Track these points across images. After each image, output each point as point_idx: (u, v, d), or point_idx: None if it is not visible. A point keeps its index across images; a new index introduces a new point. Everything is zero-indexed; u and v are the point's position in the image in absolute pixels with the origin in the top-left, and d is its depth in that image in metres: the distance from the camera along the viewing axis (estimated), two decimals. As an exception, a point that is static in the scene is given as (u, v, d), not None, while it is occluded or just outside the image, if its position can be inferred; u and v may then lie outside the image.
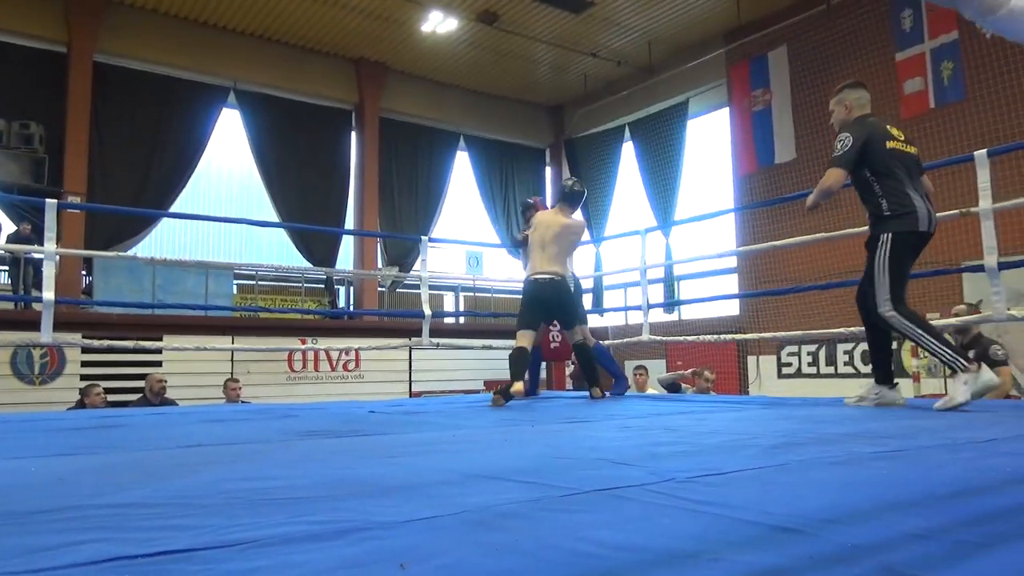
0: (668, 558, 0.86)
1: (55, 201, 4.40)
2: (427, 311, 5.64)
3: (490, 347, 7.30)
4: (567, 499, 1.21)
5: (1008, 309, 4.28)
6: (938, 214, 4.52)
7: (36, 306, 10.57)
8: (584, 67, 13.98)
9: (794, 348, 11.47)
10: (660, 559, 0.86)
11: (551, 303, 4.79)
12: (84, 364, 10.29)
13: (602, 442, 2.26)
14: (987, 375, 3.18)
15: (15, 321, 9.71)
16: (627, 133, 14.50)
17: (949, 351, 3.27)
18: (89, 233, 11.28)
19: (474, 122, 15.17)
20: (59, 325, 10.34)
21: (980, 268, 4.28)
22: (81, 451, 2.07)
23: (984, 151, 4.12)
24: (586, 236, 5.05)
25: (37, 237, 10.58)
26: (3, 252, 10.81)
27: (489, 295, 15.05)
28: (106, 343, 5.39)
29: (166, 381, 6.66)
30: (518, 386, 4.38)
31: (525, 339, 4.68)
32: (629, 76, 13.91)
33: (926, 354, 9.42)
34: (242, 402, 6.98)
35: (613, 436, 2.45)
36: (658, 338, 6.07)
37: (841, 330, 5.05)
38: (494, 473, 1.49)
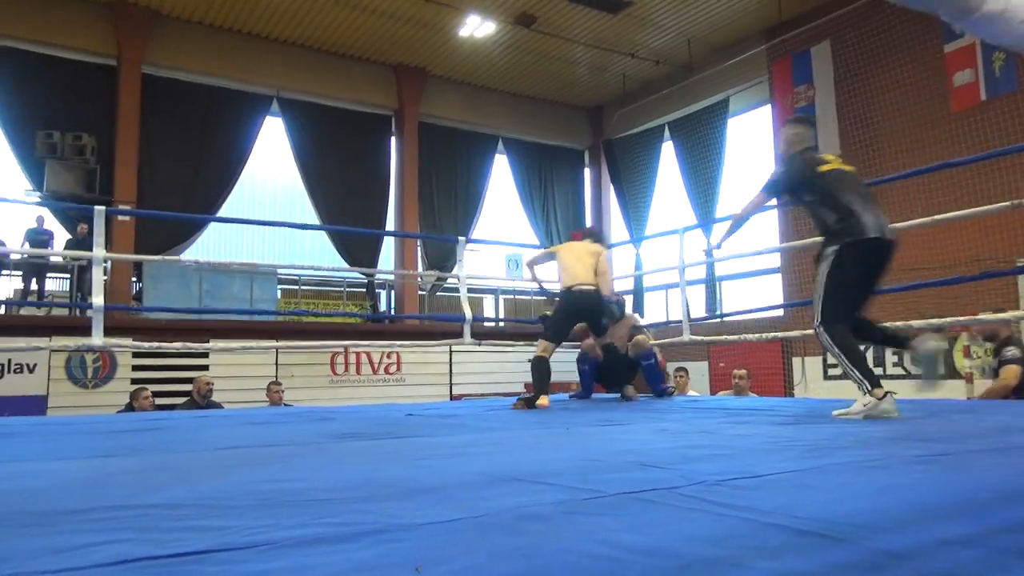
0: (687, 563, 0.84)
1: (103, 208, 4.52)
2: (468, 312, 5.66)
3: (533, 346, 7.29)
4: (591, 502, 1.19)
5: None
6: (991, 207, 4.37)
7: (88, 311, 10.93)
8: (622, 67, 13.88)
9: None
10: (679, 564, 0.83)
11: (592, 314, 4.87)
12: (135, 368, 10.57)
13: (635, 444, 2.23)
14: (886, 405, 3.25)
15: (69, 327, 10.02)
16: (667, 133, 14.36)
17: (861, 374, 3.36)
18: (139, 240, 11.58)
19: (513, 125, 15.19)
20: (110, 330, 10.63)
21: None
22: (121, 453, 2.12)
23: (1036, 143, 3.97)
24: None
25: (92, 239, 10.96)
26: (59, 259, 11.21)
27: (529, 297, 15.04)
28: (155, 345, 5.51)
29: (213, 383, 6.79)
30: (544, 401, 4.44)
31: (548, 348, 4.74)
32: (668, 75, 13.78)
33: (979, 353, 9.12)
34: (284, 405, 7.08)
35: (647, 439, 2.41)
36: (699, 338, 5.97)
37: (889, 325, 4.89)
38: (521, 476, 1.48)
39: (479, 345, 6.08)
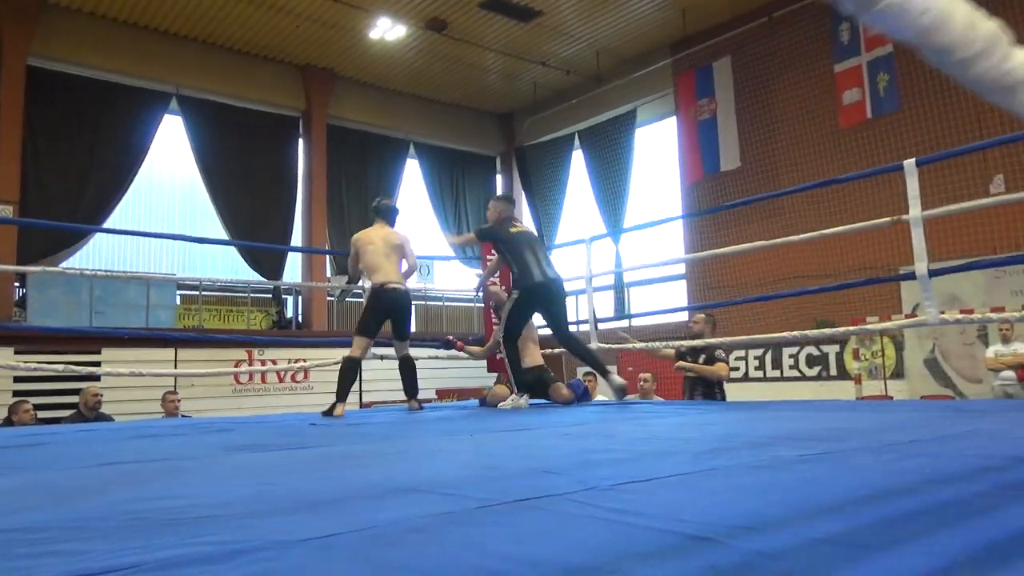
0: (566, 572, 0.84)
1: (9, 206, 4.20)
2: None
3: (438, 357, 7.27)
4: (482, 511, 1.18)
5: (941, 313, 4.42)
6: (873, 222, 4.72)
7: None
8: (534, 75, 14.05)
9: (741, 353, 11.65)
10: (557, 573, 0.83)
11: (402, 312, 4.97)
12: (17, 380, 9.89)
13: (535, 450, 2.24)
14: (521, 402, 4.71)
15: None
16: (577, 141, 14.61)
17: (514, 380, 4.77)
18: (22, 244, 10.85)
19: (424, 130, 15.11)
20: (-8, 339, 9.98)
21: (912, 276, 4.41)
22: None
23: (913, 160, 4.24)
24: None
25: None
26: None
27: (441, 304, 14.97)
28: (32, 366, 5.16)
29: (102, 395, 6.43)
30: (340, 410, 4.50)
31: (360, 348, 4.76)
32: (578, 85, 14.02)
33: (867, 356, 9.70)
34: (182, 416, 6.78)
35: (550, 444, 2.43)
36: (605, 346, 6.09)
37: (784, 334, 5.14)
38: (416, 486, 1.45)
39: (381, 360, 6.00)
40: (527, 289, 4.72)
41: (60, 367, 5.00)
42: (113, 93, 11.95)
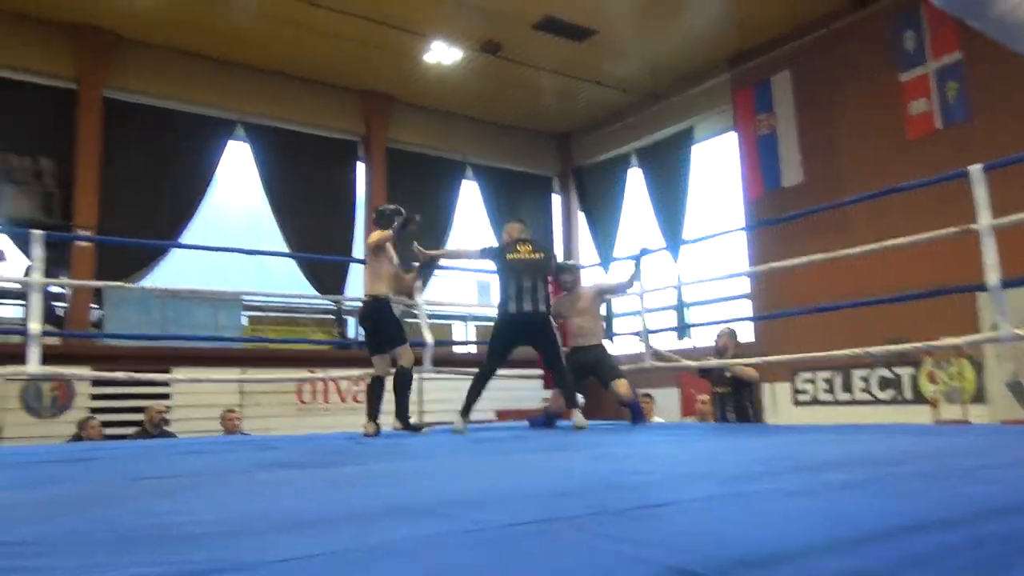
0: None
1: (41, 232, 4.40)
2: (429, 339, 5.59)
3: (501, 377, 7.17)
4: (471, 535, 1.12)
5: (1016, 329, 4.14)
6: (940, 232, 4.48)
7: (48, 340, 10.66)
8: (589, 95, 14.00)
9: (809, 375, 11.25)
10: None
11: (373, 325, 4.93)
12: (94, 397, 10.29)
13: (566, 472, 2.16)
14: (459, 427, 4.79)
15: (21, 355, 9.74)
16: (634, 159, 14.48)
17: (465, 402, 4.82)
18: (100, 266, 11.34)
19: (481, 151, 15.22)
20: (70, 358, 10.45)
21: (983, 287, 4.15)
22: (20, 486, 2.00)
23: (979, 166, 4.01)
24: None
25: (51, 268, 10.73)
26: (16, 285, 10.92)
27: (499, 324, 14.93)
28: (95, 374, 5.34)
29: (166, 412, 6.61)
30: (371, 427, 4.47)
31: (382, 366, 4.81)
32: (634, 103, 13.92)
33: (944, 379, 9.24)
34: (241, 433, 6.90)
35: (582, 466, 2.34)
36: (659, 364, 5.94)
37: (846, 351, 4.88)
38: (421, 507, 1.40)
39: (438, 372, 6.00)
40: (498, 320, 4.88)
41: (121, 375, 5.11)
42: (182, 122, 12.43)
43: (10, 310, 11.08)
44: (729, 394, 5.39)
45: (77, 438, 6.03)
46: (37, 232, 4.41)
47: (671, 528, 1.18)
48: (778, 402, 11.69)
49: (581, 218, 15.37)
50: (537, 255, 4.98)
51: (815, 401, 11.15)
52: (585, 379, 5.36)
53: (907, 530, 1.18)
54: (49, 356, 10.02)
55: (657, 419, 7.34)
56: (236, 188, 13.49)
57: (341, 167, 13.95)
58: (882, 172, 10.31)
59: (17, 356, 9.52)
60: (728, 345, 5.56)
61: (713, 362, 5.37)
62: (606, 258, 14.46)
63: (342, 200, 13.85)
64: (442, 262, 5.98)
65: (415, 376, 5.04)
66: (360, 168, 14.18)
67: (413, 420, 4.95)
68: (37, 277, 4.32)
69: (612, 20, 11.56)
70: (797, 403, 11.49)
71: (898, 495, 1.60)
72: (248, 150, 13.10)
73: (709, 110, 13.14)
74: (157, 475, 2.17)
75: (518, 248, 5.00)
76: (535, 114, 15.05)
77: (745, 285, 12.35)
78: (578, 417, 4.65)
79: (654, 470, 2.12)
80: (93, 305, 11.57)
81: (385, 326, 4.82)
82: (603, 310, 5.51)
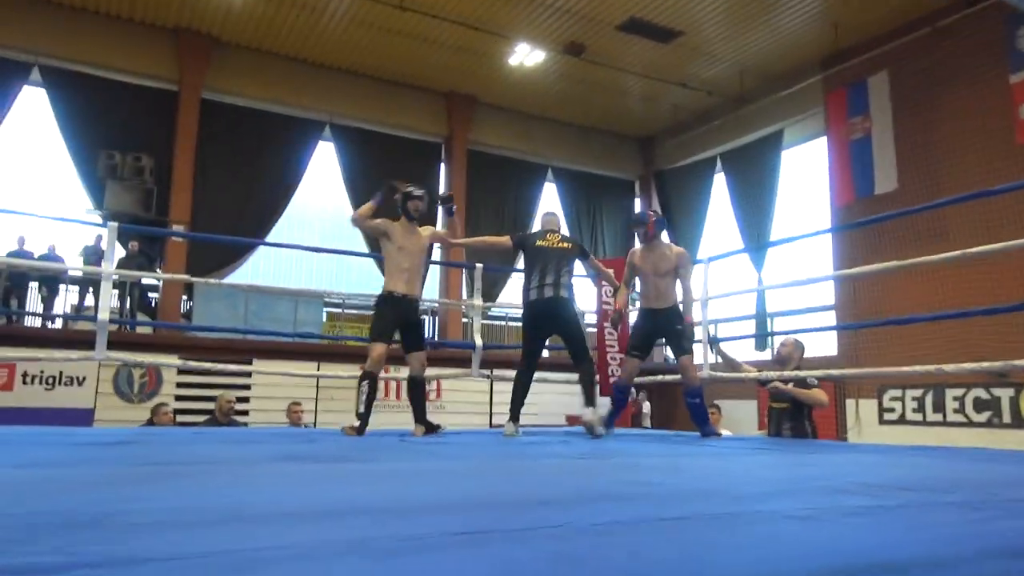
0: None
1: (115, 224, 4.60)
2: (478, 342, 5.56)
3: (569, 382, 6.99)
4: (403, 543, 1.05)
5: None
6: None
7: (138, 328, 11.31)
8: (674, 97, 13.71)
9: (897, 392, 10.63)
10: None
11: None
12: (179, 385, 10.81)
13: (568, 481, 2.05)
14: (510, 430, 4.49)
15: (116, 342, 10.29)
16: (719, 164, 14.07)
17: (516, 403, 4.59)
18: (191, 260, 11.90)
19: (562, 154, 15.14)
20: (160, 347, 10.98)
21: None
22: (26, 465, 2.07)
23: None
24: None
25: (143, 257, 11.37)
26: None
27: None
28: (153, 361, 5.58)
29: (234, 402, 6.83)
30: (419, 430, 4.31)
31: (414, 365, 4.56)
32: (720, 106, 13.53)
33: None
34: (304, 426, 7.07)
35: (590, 476, 2.23)
36: (718, 374, 5.68)
37: (930, 367, 4.50)
38: (394, 508, 1.34)
39: (488, 379, 5.95)
40: (524, 313, 4.70)
41: (191, 363, 5.27)
42: (274, 123, 12.89)
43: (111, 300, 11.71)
44: (786, 411, 5.01)
45: (150, 423, 6.30)
46: (112, 224, 4.62)
47: (629, 549, 1.07)
48: (863, 420, 11.09)
49: (662, 223, 15.04)
50: (564, 245, 4.73)
51: (902, 420, 10.52)
52: (651, 347, 5.07)
53: (899, 567, 1.03)
54: (141, 344, 10.69)
55: (724, 432, 7.03)
56: (321, 187, 13.88)
57: (423, 168, 14.14)
58: (987, 179, 9.62)
59: (114, 343, 10.18)
60: (792, 356, 5.12)
61: (774, 374, 5.00)
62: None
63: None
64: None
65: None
66: (442, 170, 14.34)
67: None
68: (108, 267, 4.51)
69: (699, 21, 11.27)
70: (883, 421, 10.87)
71: (913, 526, 1.42)
72: (333, 150, 13.45)
73: (799, 113, 12.61)
74: (165, 462, 2.21)
75: (548, 236, 4.74)
76: (618, 117, 14.85)
77: (830, 295, 11.77)
78: (593, 415, 4.45)
79: (665, 483, 1.99)
80: (184, 297, 12.17)
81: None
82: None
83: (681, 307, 4.80)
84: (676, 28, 11.46)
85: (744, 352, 12.09)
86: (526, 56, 12.32)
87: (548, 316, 4.54)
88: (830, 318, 11.80)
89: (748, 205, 13.30)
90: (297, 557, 0.94)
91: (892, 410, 10.78)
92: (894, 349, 9.80)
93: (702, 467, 2.50)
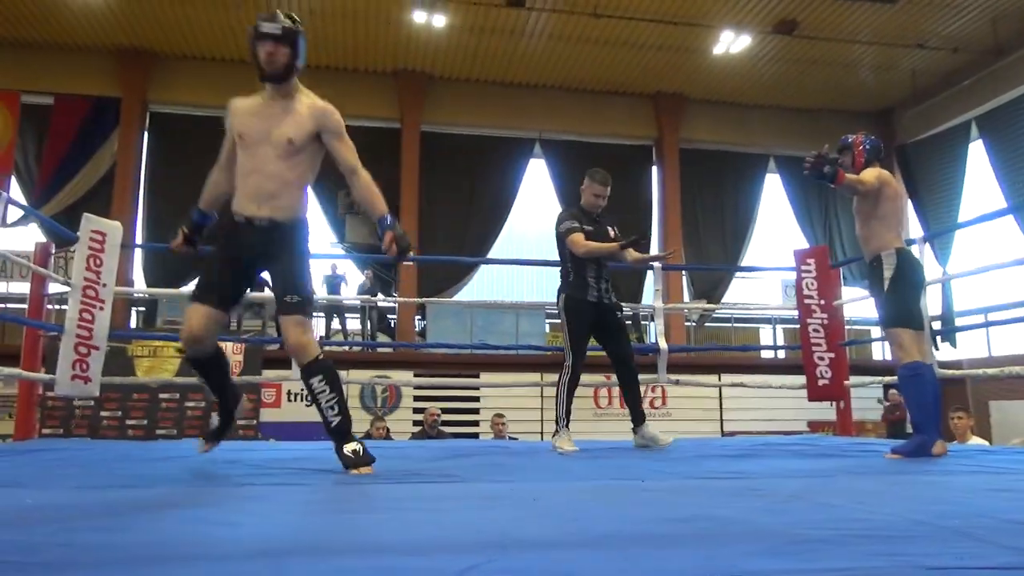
0: None
1: (367, 256, 5.00)
2: (663, 345, 5.27)
3: (784, 387, 6.34)
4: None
5: None
6: None
7: (375, 348, 12.40)
8: (911, 62, 12.14)
9: None
10: None
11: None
12: (416, 399, 11.63)
13: (597, 513, 1.77)
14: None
15: (363, 361, 11.35)
16: (974, 130, 12.19)
17: (565, 410, 4.27)
18: (422, 283, 12.80)
19: (784, 141, 14.07)
20: (397, 363, 11.89)
21: None
22: (134, 484, 2.26)
23: None
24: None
25: (378, 282, 12.45)
26: (355, 302, 12.83)
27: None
28: (371, 376, 6.00)
29: (439, 415, 7.21)
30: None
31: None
32: (970, 63, 11.72)
33: None
34: (509, 438, 7.22)
35: (716, 500, 1.94)
36: (947, 372, 4.79)
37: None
38: (404, 547, 1.24)
39: (676, 384, 5.63)
40: (576, 309, 4.08)
41: (408, 376, 5.61)
42: (487, 146, 13.52)
43: (353, 323, 12.96)
44: None
45: (367, 436, 6.82)
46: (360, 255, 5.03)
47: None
48: None
49: (908, 205, 13.35)
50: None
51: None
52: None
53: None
54: (383, 362, 11.68)
55: (976, 440, 5.97)
56: (535, 203, 14.25)
57: (635, 172, 13.96)
58: None
59: (362, 362, 11.23)
60: None
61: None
62: (943, 252, 12.39)
63: (637, 205, 13.84)
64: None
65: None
66: (653, 173, 14.05)
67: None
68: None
69: (932, -31, 9.91)
70: None
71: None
72: (543, 165, 13.74)
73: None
74: (266, 483, 2.31)
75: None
76: (846, 93, 13.49)
77: None
78: (654, 433, 4.15)
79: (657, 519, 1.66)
80: (417, 316, 13.12)
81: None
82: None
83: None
84: (903, -17, 10.18)
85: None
86: (732, 43, 11.67)
87: (607, 318, 4.13)
88: None
89: (1018, 173, 11.37)
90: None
91: None
92: None
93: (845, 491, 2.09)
